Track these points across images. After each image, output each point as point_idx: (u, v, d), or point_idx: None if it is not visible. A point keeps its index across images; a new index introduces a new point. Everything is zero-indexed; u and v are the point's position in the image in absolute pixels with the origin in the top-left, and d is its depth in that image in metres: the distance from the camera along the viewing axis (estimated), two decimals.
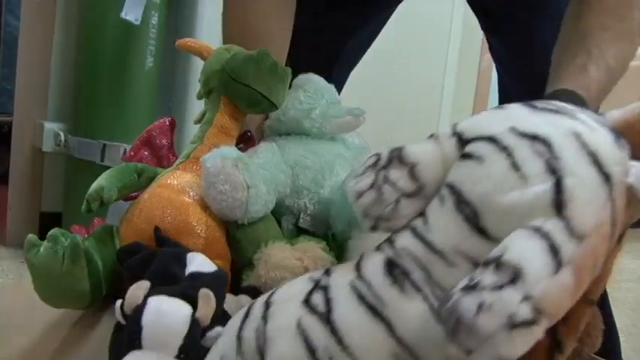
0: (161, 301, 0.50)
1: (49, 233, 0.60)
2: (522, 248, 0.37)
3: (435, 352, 0.42)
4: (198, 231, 0.67)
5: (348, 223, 0.74)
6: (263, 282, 0.65)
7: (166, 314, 0.49)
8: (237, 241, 0.70)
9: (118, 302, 0.51)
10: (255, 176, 0.68)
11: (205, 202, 0.68)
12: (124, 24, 1.65)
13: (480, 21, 1.17)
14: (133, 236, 0.66)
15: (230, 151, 0.69)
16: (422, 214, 0.46)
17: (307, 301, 0.47)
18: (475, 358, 0.36)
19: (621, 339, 1.54)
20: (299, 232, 0.76)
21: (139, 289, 0.51)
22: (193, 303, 0.50)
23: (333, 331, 0.44)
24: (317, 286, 0.48)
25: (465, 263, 0.42)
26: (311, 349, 0.44)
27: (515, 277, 0.36)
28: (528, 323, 0.35)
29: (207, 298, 0.50)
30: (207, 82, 0.75)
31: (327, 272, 0.49)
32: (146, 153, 0.78)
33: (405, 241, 0.46)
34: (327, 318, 0.45)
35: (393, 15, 1.22)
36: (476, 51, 2.79)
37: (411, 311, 0.43)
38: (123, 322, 0.51)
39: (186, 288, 0.51)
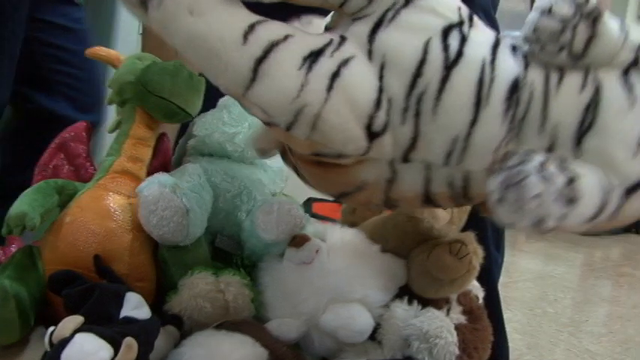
0: (85, 339, 0.52)
1: None
2: None
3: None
4: (123, 257, 0.69)
5: (256, 249, 0.79)
6: (183, 307, 0.68)
7: (85, 353, 0.51)
8: (166, 263, 0.72)
9: (50, 329, 0.54)
10: (192, 200, 0.72)
11: (130, 226, 0.70)
12: None
13: None
14: (57, 263, 0.67)
15: (165, 177, 0.72)
16: None
17: (445, 33, 0.51)
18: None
19: (517, 336, 1.67)
20: (215, 250, 0.80)
21: (70, 322, 0.53)
22: (118, 348, 0.52)
23: (444, 80, 0.50)
24: (457, 26, 0.52)
25: None
26: (419, 72, 0.50)
27: None
28: None
29: (129, 347, 0.52)
30: (120, 92, 0.76)
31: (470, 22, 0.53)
32: (62, 159, 0.77)
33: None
34: (448, 66, 0.50)
35: None
36: None
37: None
38: (48, 350, 0.53)
39: (115, 332, 0.54)
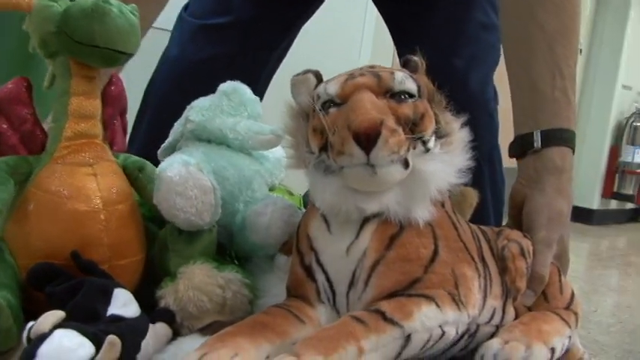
0: (65, 336, 0.48)
1: None
2: None
3: None
4: (101, 239, 0.63)
5: (243, 247, 0.76)
6: (179, 297, 0.64)
7: (64, 350, 0.47)
8: (168, 250, 0.68)
9: (29, 325, 0.50)
10: (214, 180, 0.68)
11: (101, 203, 0.63)
12: None
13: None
14: (30, 256, 0.61)
15: (185, 157, 0.68)
16: None
17: None
18: None
19: None
20: None
21: (50, 316, 0.49)
22: (100, 346, 0.48)
23: None
24: None
25: None
26: None
27: None
28: None
29: (111, 345, 0.49)
30: (44, 44, 0.65)
31: None
32: (5, 126, 0.66)
33: None
34: None
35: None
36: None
37: None
38: (26, 345, 0.49)
39: (99, 330, 0.50)
